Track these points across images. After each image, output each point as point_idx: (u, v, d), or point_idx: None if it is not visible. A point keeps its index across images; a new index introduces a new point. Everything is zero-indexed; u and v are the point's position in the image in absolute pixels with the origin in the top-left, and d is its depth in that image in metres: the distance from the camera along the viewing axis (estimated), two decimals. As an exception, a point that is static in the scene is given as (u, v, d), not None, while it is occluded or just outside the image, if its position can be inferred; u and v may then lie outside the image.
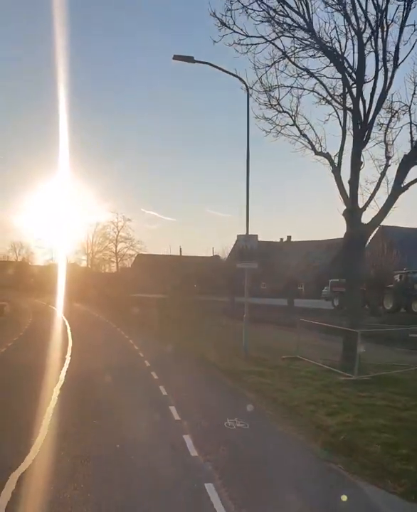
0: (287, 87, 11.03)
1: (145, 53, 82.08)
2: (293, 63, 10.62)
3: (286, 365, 10.91)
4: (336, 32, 10.01)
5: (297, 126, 11.25)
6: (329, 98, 10.74)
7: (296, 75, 10.75)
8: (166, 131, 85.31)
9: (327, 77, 10.56)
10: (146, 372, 10.32)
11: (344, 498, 4.30)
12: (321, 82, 10.61)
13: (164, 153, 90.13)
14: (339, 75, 10.32)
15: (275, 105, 11.28)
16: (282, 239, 60.81)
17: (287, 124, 11.33)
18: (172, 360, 12.63)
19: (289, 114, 11.26)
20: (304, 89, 10.98)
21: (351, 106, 10.33)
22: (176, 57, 12.02)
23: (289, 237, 59.54)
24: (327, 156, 10.89)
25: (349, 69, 10.23)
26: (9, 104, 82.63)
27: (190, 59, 12.04)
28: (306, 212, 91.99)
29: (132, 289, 57.17)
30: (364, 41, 9.91)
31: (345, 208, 10.50)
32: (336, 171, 10.68)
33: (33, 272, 77.88)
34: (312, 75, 10.57)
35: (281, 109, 11.29)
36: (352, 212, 10.32)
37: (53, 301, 45.66)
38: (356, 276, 11.06)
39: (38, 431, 6.06)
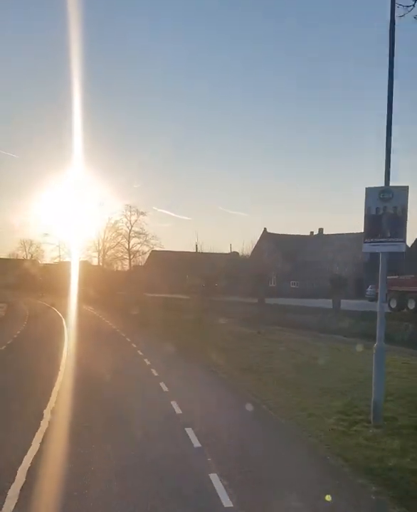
0: None
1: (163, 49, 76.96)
2: None
3: None
4: None
5: None
6: None
7: None
8: (176, 130, 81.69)
9: None
10: (202, 470, 4.79)
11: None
12: None
13: (175, 152, 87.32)
14: None
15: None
16: (312, 232, 54.88)
17: None
18: (257, 443, 5.88)
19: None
20: None
21: None
22: None
23: (320, 230, 53.57)
24: None
25: None
26: (21, 100, 79.14)
27: None
28: (337, 202, 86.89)
29: (147, 288, 51.88)
30: None
31: None
32: None
33: (41, 270, 73.14)
34: None
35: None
36: None
37: (59, 303, 40.50)
38: None
39: None
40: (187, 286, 48.69)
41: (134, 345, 14.21)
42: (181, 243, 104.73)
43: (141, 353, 12.72)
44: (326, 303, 26.82)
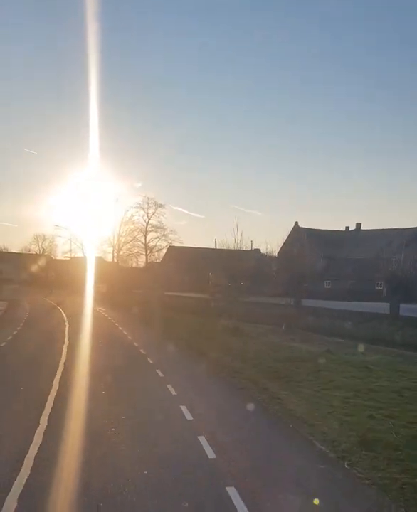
0: None
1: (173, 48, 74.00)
2: None
3: None
4: None
5: None
6: None
7: None
8: (192, 127, 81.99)
9: None
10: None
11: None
12: None
13: (190, 150, 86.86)
14: None
15: None
16: (347, 227, 49.63)
17: None
18: None
19: None
20: None
21: None
22: None
23: (358, 225, 48.32)
24: None
25: None
26: (40, 99, 77.40)
27: None
28: (377, 196, 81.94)
29: (166, 287, 47.38)
30: None
31: None
32: None
33: (54, 265, 69.37)
34: None
35: None
36: None
37: (67, 301, 36.24)
38: None
39: None
40: (211, 284, 43.92)
41: (161, 374, 9.53)
42: (195, 241, 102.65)
43: (173, 391, 8.04)
44: (374, 307, 22.29)
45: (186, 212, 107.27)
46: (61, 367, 10.11)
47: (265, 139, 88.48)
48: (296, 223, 48.17)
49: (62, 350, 12.67)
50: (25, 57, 70.78)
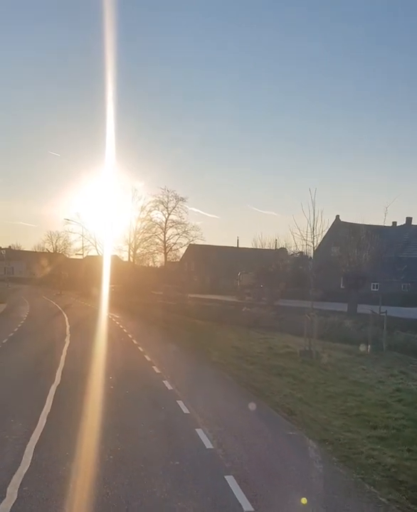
0: None
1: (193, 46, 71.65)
2: None
3: None
4: None
5: None
6: None
7: None
8: (207, 128, 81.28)
9: None
10: None
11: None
12: None
13: (206, 151, 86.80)
14: None
15: None
16: (394, 222, 43.50)
17: None
18: None
19: None
20: None
21: None
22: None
23: (408, 220, 42.28)
24: None
25: None
26: (61, 104, 77.16)
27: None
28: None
29: (189, 288, 42.14)
30: None
31: None
32: None
33: (67, 264, 64.87)
34: None
35: None
36: None
37: (76, 305, 31.37)
38: None
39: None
40: (240, 286, 38.49)
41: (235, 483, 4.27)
42: (212, 242, 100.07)
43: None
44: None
45: (202, 212, 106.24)
46: (36, 435, 4.92)
47: (282, 140, 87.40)
48: (337, 217, 42.37)
49: (48, 388, 7.43)
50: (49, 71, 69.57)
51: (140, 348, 13.06)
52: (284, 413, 7.08)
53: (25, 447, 5.36)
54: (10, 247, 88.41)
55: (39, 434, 5.82)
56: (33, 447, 5.36)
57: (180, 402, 7.44)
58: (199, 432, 6.06)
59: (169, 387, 8.57)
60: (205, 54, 77.22)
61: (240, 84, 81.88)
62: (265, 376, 9.74)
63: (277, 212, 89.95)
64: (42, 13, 68.56)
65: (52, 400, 7.47)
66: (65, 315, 23.00)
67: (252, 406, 7.41)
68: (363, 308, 24.22)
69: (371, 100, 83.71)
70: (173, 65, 79.71)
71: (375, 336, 14.34)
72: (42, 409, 6.90)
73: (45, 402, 7.35)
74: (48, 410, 6.91)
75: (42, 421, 6.37)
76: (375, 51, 78.55)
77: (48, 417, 6.55)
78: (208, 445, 5.57)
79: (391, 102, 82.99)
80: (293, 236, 14.84)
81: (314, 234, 13.14)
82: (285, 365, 10.94)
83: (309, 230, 13.03)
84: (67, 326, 18.03)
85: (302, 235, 13.91)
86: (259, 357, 11.98)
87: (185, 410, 7.03)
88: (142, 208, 47.69)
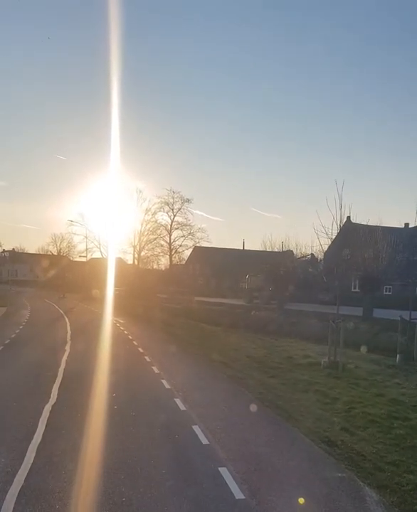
0: None
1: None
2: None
3: None
4: None
5: None
6: None
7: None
8: (209, 135, 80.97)
9: None
10: None
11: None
12: None
13: (210, 155, 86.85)
14: None
15: None
16: (407, 224, 42.16)
17: None
18: None
19: None
20: None
21: None
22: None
23: (421, 220, 40.84)
24: None
25: None
26: (68, 106, 76.98)
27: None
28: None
29: (194, 291, 40.97)
30: None
31: None
32: None
33: (71, 267, 63.94)
34: None
35: None
36: None
37: (79, 309, 30.20)
38: None
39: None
40: (248, 289, 37.24)
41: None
42: (216, 245, 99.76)
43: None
44: None
45: (206, 215, 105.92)
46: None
47: (286, 142, 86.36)
48: (348, 218, 40.99)
49: (33, 431, 6.25)
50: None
51: (147, 358, 11.86)
52: (322, 444, 5.86)
53: (5, 499, 4.17)
54: (14, 249, 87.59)
55: (22, 481, 4.62)
56: (13, 502, 4.17)
57: (196, 429, 6.24)
58: (223, 471, 4.85)
59: (182, 407, 7.37)
60: (206, 54, 76.66)
61: (241, 84, 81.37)
62: (290, 393, 8.52)
63: (281, 215, 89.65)
64: (45, 15, 68.22)
65: (44, 426, 6.29)
66: (66, 319, 21.84)
67: (282, 433, 6.20)
68: (378, 313, 23.03)
69: (372, 100, 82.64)
70: (177, 66, 79.91)
71: (402, 344, 13.06)
72: (32, 439, 5.73)
73: (36, 428, 6.17)
74: (39, 440, 5.74)
75: (29, 456, 5.19)
76: (375, 51, 77.46)
77: (38, 451, 5.37)
78: (239, 495, 4.36)
79: (393, 102, 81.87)
80: (318, 235, 13.63)
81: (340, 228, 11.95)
82: (310, 378, 9.71)
83: (335, 226, 11.80)
84: (69, 332, 16.86)
85: (326, 233, 12.70)
86: (279, 368, 10.76)
87: (204, 441, 5.82)
88: (147, 210, 46.71)
